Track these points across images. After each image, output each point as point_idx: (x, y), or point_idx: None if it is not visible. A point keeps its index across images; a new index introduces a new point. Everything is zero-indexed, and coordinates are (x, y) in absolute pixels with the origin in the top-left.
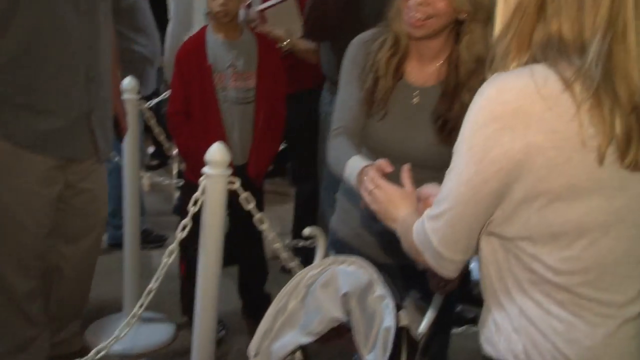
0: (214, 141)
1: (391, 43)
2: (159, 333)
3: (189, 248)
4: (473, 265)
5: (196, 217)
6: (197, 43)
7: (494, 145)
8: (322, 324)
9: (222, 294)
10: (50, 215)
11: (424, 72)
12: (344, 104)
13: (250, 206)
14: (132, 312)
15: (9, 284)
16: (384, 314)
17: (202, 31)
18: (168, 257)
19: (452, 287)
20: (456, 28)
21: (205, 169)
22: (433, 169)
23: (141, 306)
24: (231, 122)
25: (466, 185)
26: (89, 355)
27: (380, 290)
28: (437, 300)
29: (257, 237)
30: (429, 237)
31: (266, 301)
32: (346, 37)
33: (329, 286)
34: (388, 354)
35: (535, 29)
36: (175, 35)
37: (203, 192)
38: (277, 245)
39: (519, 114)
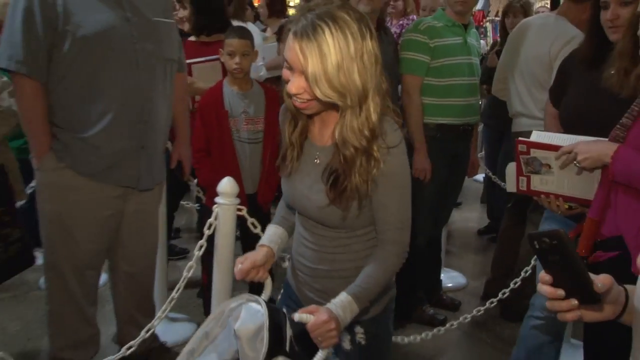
0: (230, 174)
1: (290, 118)
2: (183, 330)
3: (209, 262)
4: (443, 276)
5: (211, 238)
6: (216, 93)
7: None
8: (230, 354)
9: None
10: (104, 234)
11: (323, 134)
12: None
13: (257, 230)
14: (157, 315)
15: (70, 286)
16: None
17: (220, 84)
18: (187, 272)
19: None
20: None
21: (217, 199)
22: (328, 226)
23: (164, 310)
24: (243, 158)
25: None
26: (121, 350)
27: (265, 337)
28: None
29: None
30: None
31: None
32: None
33: (238, 321)
34: None
35: None
36: None
37: (216, 218)
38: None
39: None
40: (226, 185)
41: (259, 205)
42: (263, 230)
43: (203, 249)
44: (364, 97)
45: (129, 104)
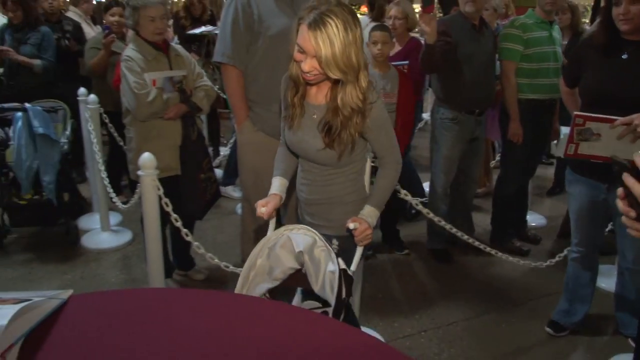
0: None
1: (292, 84)
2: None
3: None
4: (528, 217)
5: None
6: None
7: None
8: (282, 272)
9: None
10: None
11: (319, 96)
12: (282, 125)
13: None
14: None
15: (256, 216)
16: (327, 261)
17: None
18: None
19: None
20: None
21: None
22: (322, 165)
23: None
24: None
25: None
26: None
27: (321, 245)
28: (359, 250)
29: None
30: None
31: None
32: (446, 70)
33: (285, 246)
34: (336, 289)
35: None
36: None
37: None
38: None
39: None
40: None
41: None
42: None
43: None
44: (358, 71)
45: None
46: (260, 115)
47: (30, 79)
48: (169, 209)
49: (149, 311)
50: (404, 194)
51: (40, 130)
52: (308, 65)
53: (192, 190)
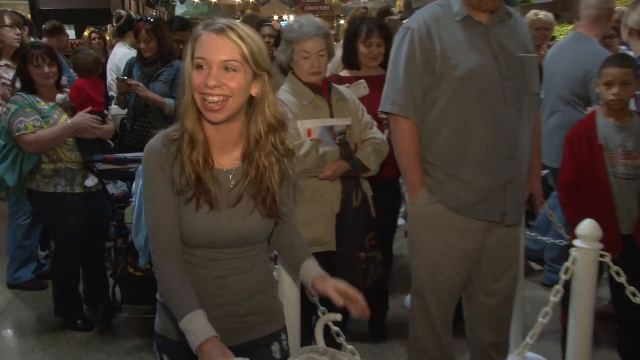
0: (603, 212)
1: (188, 141)
2: None
3: (566, 306)
4: None
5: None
6: (589, 125)
7: None
8: None
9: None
10: (467, 266)
11: (231, 157)
12: (158, 220)
13: (622, 280)
14: (519, 350)
15: (431, 315)
16: None
17: (593, 115)
18: (543, 318)
19: None
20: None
21: (576, 242)
22: (255, 243)
23: (520, 354)
24: (619, 195)
25: None
26: None
27: None
28: None
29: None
30: None
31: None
32: None
33: None
34: None
35: None
36: None
37: (574, 263)
38: None
39: None
40: (586, 227)
41: (637, 247)
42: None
43: (560, 295)
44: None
45: (498, 140)
46: (441, 183)
47: (159, 123)
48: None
49: None
50: None
51: None
52: (214, 79)
53: (347, 273)
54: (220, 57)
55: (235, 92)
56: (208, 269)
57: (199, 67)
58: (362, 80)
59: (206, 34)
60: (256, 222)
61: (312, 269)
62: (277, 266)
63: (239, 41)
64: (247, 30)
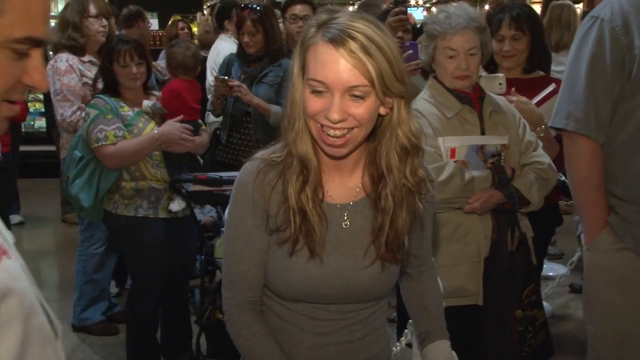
0: None
1: (296, 167)
2: None
3: None
4: None
5: None
6: None
7: None
8: None
9: None
10: None
11: (347, 187)
12: (239, 264)
13: None
14: None
15: None
16: None
17: None
18: None
19: None
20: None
21: None
22: (374, 300)
23: None
24: None
25: None
26: None
27: None
28: None
29: None
30: None
31: None
32: None
33: None
34: None
35: None
36: None
37: None
38: None
39: None
40: None
41: None
42: None
43: None
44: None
45: None
46: (632, 223)
47: (260, 135)
48: None
49: None
50: None
51: None
52: (337, 111)
53: (496, 336)
54: (344, 84)
55: (361, 122)
56: (303, 331)
57: (316, 91)
58: (501, 74)
59: (322, 43)
60: (373, 274)
61: (438, 357)
62: (406, 331)
63: (364, 58)
64: (373, 35)
